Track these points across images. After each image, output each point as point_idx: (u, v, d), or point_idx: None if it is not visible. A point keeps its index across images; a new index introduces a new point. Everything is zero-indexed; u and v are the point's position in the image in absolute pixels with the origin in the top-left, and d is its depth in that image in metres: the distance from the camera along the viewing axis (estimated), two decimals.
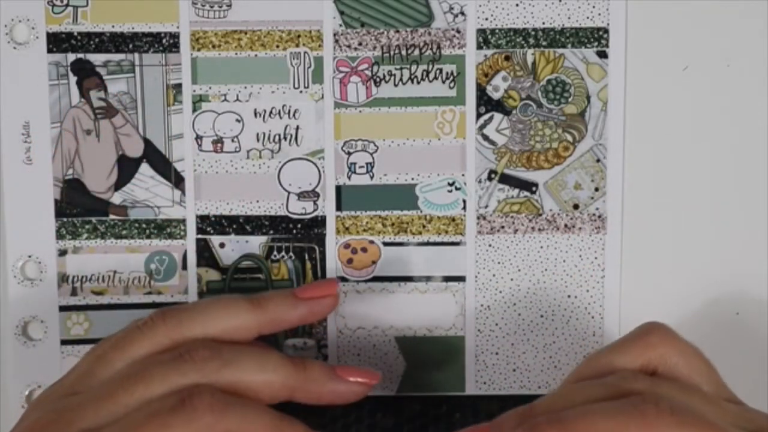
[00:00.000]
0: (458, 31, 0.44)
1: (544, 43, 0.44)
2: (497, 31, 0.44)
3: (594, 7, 0.44)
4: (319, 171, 0.45)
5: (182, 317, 0.39)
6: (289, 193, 0.45)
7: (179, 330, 0.39)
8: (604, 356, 0.36)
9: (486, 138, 0.45)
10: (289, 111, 0.44)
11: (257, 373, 0.38)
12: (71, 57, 0.44)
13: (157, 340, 0.38)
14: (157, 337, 0.39)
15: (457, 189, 0.45)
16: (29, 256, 0.45)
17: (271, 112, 0.44)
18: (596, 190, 0.45)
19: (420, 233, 0.45)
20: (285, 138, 0.45)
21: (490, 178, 0.45)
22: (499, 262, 0.45)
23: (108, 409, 0.36)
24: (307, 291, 0.41)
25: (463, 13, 0.44)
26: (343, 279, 0.45)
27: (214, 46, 0.44)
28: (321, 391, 0.40)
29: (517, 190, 0.45)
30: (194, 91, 0.44)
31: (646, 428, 0.32)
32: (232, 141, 0.45)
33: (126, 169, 0.45)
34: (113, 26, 0.44)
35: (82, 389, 0.37)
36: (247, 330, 0.40)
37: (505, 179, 0.45)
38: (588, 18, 0.44)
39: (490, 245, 0.45)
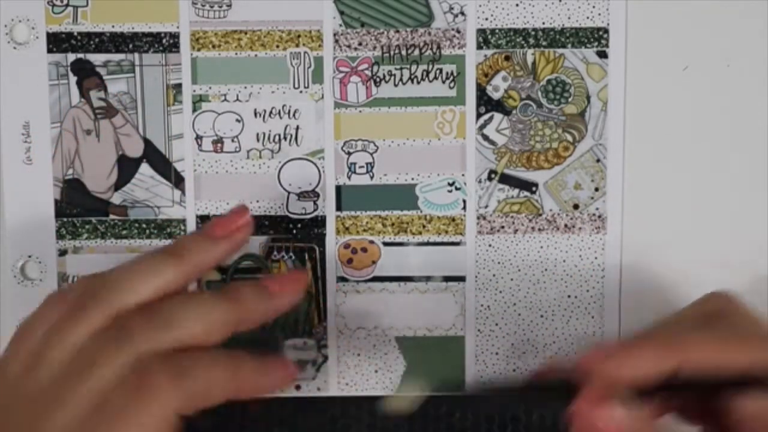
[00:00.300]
0: (458, 31, 0.44)
1: (544, 43, 0.44)
2: (497, 31, 0.44)
3: (594, 7, 0.44)
4: (319, 171, 0.45)
5: (109, 290, 0.37)
6: (289, 193, 0.45)
7: (110, 305, 0.37)
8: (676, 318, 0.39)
9: (486, 138, 0.45)
10: (289, 111, 0.44)
11: (197, 324, 0.37)
12: (71, 57, 0.44)
13: (94, 321, 0.36)
14: (92, 318, 0.36)
15: (457, 189, 0.45)
16: (29, 257, 0.45)
17: (271, 112, 0.44)
18: (596, 190, 0.45)
19: (420, 233, 0.45)
20: (285, 138, 0.45)
21: (490, 178, 0.45)
22: (499, 262, 0.45)
23: (66, 415, 0.34)
24: (220, 226, 0.39)
25: (463, 13, 0.44)
26: (343, 279, 0.45)
27: (214, 46, 0.44)
28: (261, 316, 0.39)
29: (517, 190, 0.45)
30: (194, 91, 0.44)
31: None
32: (232, 141, 0.45)
33: (126, 169, 0.45)
34: (113, 26, 0.44)
35: (26, 392, 0.35)
36: (175, 285, 0.38)
37: (505, 179, 0.45)
38: (588, 18, 0.44)
39: (490, 245, 0.45)
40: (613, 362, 0.36)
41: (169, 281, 0.38)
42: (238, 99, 0.44)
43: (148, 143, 0.45)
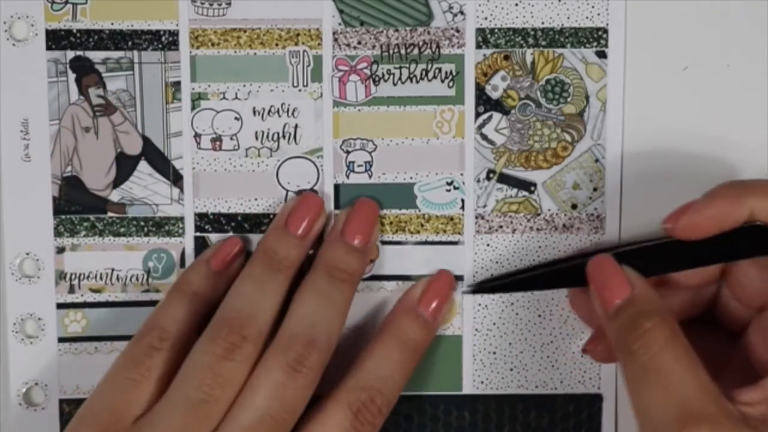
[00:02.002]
0: (457, 31, 0.44)
1: (544, 43, 0.44)
2: (496, 30, 0.44)
3: (593, 7, 0.44)
4: (317, 169, 0.45)
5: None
6: (287, 191, 0.45)
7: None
8: None
9: (485, 137, 0.44)
10: (288, 109, 0.44)
11: (335, 320, 0.41)
12: (70, 54, 0.44)
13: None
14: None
15: (455, 188, 0.45)
16: (27, 254, 0.45)
17: (270, 111, 0.44)
18: (595, 190, 0.45)
19: (418, 232, 0.45)
20: (284, 136, 0.45)
21: (488, 178, 0.45)
22: (497, 262, 0.45)
23: None
24: (294, 219, 0.43)
25: (462, 13, 0.44)
26: None
27: (213, 44, 0.44)
28: (363, 269, 0.44)
29: (515, 190, 0.45)
30: (193, 89, 0.44)
31: None
32: (231, 139, 0.45)
33: (124, 166, 0.45)
34: (112, 24, 0.44)
35: None
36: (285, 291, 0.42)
37: (504, 179, 0.45)
38: (587, 18, 0.44)
39: (488, 245, 0.45)
40: (693, 213, 0.38)
41: (283, 292, 0.41)
42: (237, 97, 0.44)
43: (146, 141, 0.45)
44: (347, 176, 0.45)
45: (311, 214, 0.42)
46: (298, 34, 0.44)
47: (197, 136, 0.45)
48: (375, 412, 0.39)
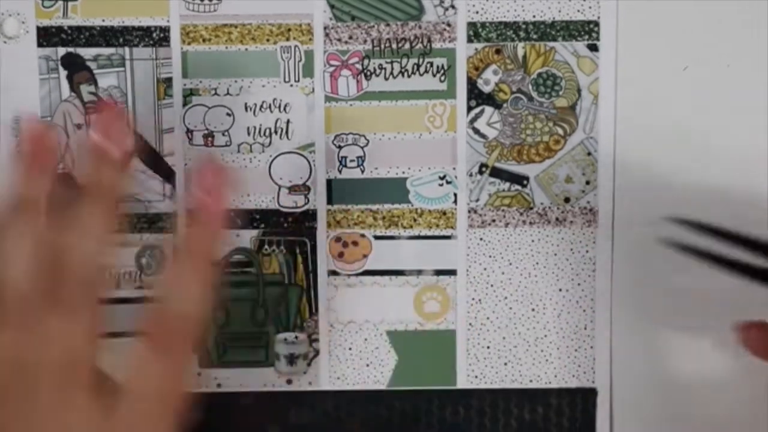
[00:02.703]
0: (449, 25, 0.44)
1: (535, 37, 0.44)
2: (488, 24, 0.44)
3: (584, 0, 0.44)
4: (309, 165, 0.45)
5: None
6: (279, 186, 0.45)
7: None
8: None
9: (477, 131, 0.44)
10: (279, 105, 0.44)
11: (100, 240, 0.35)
12: (61, 51, 0.44)
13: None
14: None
15: (448, 183, 0.45)
16: None
17: (261, 106, 0.44)
18: (587, 183, 0.45)
19: (411, 227, 0.45)
20: (276, 132, 0.45)
21: (481, 172, 0.45)
22: (490, 256, 0.45)
23: None
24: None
25: (453, 7, 0.44)
26: (335, 273, 0.45)
27: (204, 40, 0.44)
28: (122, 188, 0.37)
29: (508, 184, 0.45)
30: (185, 85, 0.44)
31: None
32: (223, 135, 0.45)
33: None
34: (103, 20, 0.44)
35: None
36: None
37: (496, 173, 0.45)
38: (578, 11, 0.44)
39: (481, 239, 0.45)
40: None
41: (30, 233, 0.34)
42: (228, 93, 0.44)
43: (138, 137, 0.45)
44: (339, 171, 0.45)
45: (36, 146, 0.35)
46: (289, 30, 0.44)
47: (189, 132, 0.44)
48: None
